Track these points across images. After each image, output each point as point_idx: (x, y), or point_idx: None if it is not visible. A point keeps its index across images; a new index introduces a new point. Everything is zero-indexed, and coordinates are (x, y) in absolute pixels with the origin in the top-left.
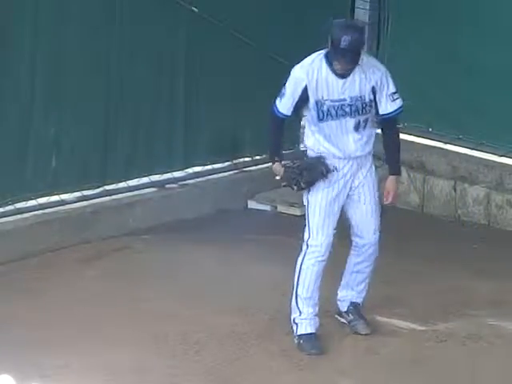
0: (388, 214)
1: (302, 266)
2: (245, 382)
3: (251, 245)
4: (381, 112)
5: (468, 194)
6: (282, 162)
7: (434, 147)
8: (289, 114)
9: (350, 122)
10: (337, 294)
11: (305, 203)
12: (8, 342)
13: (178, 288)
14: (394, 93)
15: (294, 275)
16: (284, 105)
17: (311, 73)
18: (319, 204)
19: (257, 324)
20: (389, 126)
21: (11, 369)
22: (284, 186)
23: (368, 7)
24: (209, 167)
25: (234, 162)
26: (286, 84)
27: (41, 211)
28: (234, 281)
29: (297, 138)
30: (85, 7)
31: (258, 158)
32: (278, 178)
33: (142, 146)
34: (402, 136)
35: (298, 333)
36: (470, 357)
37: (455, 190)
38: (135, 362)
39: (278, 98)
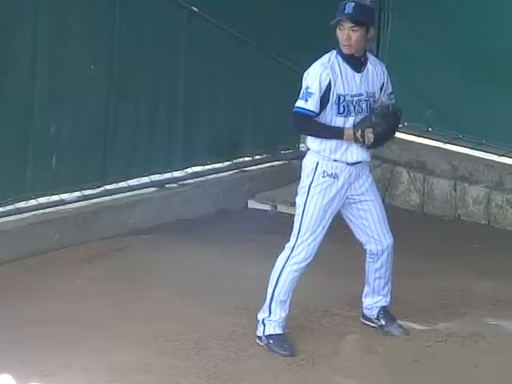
0: (388, 214)
1: (284, 269)
2: (245, 381)
3: (251, 245)
4: None
5: (468, 194)
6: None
7: (434, 147)
8: (318, 111)
9: None
10: (361, 302)
11: (299, 205)
12: (8, 341)
13: (177, 288)
14: (391, 93)
15: (273, 275)
16: (314, 103)
17: (332, 68)
18: (317, 209)
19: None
20: None
21: (12, 368)
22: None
23: None
24: (209, 167)
25: (234, 161)
26: (308, 83)
27: (41, 211)
28: (234, 281)
29: (297, 138)
30: (85, 7)
31: (257, 157)
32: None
33: (141, 146)
34: (402, 136)
35: (266, 333)
36: (469, 357)
37: (455, 189)
38: (136, 362)
39: (302, 101)
